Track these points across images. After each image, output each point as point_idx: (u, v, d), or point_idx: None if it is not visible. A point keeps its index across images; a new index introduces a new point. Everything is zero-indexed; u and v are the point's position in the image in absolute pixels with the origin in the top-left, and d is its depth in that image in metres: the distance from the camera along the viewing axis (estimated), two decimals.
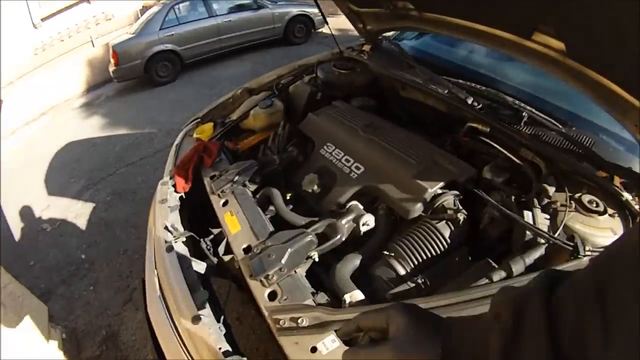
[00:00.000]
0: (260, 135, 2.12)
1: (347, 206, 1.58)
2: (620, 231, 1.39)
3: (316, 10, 8.81)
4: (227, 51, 8.40)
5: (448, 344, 0.50)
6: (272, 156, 1.84)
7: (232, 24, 8.27)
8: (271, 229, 1.50)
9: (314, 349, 1.10)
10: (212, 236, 1.69)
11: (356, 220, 1.53)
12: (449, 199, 1.55)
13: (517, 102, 1.88)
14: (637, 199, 1.51)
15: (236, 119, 2.08)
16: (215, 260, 1.52)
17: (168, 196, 1.73)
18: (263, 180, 1.80)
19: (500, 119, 1.85)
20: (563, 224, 1.39)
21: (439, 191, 1.55)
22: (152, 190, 1.95)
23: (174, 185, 1.78)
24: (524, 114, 1.82)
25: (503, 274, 1.30)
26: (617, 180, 1.56)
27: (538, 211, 1.45)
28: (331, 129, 1.90)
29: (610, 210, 1.44)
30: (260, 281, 1.29)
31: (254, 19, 8.47)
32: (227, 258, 1.69)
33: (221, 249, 1.72)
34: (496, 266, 1.34)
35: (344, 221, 1.51)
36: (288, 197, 1.78)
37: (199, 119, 2.16)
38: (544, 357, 0.40)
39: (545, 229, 1.39)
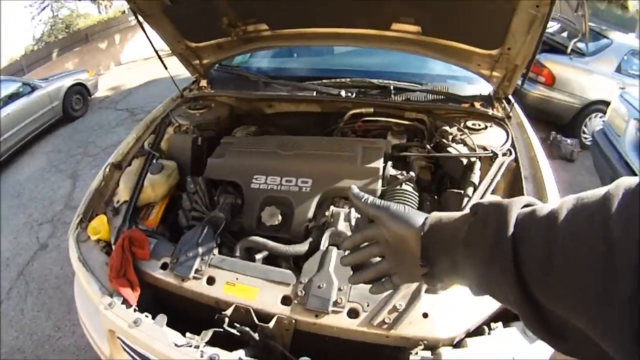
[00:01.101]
0: (162, 203, 1.77)
1: (328, 214, 1.56)
2: (500, 134, 1.82)
3: (87, 76, 8.07)
4: (12, 152, 6.38)
5: (428, 228, 0.58)
6: (216, 213, 1.58)
7: (7, 119, 6.30)
8: (287, 270, 1.35)
9: (425, 315, 1.17)
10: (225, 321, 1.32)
11: (347, 218, 1.53)
12: (390, 169, 1.71)
13: (379, 80, 2.21)
14: (497, 109, 2.03)
15: (132, 198, 1.66)
16: (257, 336, 1.20)
17: (122, 319, 1.27)
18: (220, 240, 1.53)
19: (374, 97, 2.15)
20: (474, 143, 1.73)
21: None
22: None
23: (124, 301, 1.31)
24: (390, 87, 2.17)
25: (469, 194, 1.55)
26: (477, 105, 2.06)
27: (452, 144, 1.77)
28: (249, 162, 1.75)
29: (487, 124, 1.89)
30: (333, 311, 1.20)
31: (30, 105, 6.75)
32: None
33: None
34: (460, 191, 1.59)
35: (340, 225, 1.49)
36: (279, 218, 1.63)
37: (81, 219, 1.62)
38: (508, 267, 0.44)
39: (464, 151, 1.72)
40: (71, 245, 1.57)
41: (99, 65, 12.63)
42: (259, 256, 1.45)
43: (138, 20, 1.92)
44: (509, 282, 0.44)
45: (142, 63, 11.95)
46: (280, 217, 1.58)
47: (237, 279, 1.32)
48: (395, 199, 1.59)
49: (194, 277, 1.34)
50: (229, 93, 2.29)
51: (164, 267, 1.39)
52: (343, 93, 2.16)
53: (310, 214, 1.59)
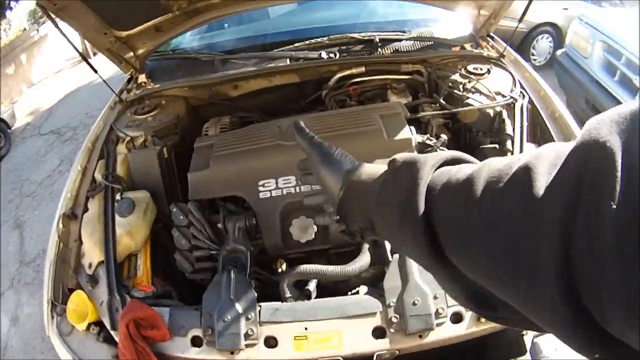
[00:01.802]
0: (146, 250, 1.33)
1: None
2: (504, 77, 1.66)
3: (1, 108, 6.60)
4: None
5: (347, 183, 0.55)
6: (233, 247, 1.20)
7: None
8: (364, 295, 1.13)
9: None
10: None
11: None
12: (415, 135, 1.45)
13: (361, 34, 1.87)
14: (488, 48, 1.85)
15: (107, 256, 1.21)
16: None
17: None
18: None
19: (361, 54, 1.84)
20: (490, 90, 1.56)
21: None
22: None
23: None
24: (376, 39, 1.85)
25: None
26: (467, 47, 1.83)
27: (467, 94, 1.57)
28: (247, 166, 1.35)
29: (487, 67, 1.70)
30: (437, 324, 1.06)
31: None
32: None
33: None
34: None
35: None
36: (284, 267, 1.31)
37: (53, 304, 1.15)
38: (419, 230, 0.41)
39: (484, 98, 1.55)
40: (56, 344, 1.13)
41: (11, 92, 10.85)
42: (311, 286, 1.13)
43: (51, 19, 1.37)
44: (421, 245, 0.42)
45: (54, 78, 10.43)
46: (315, 228, 1.25)
47: (306, 328, 1.03)
48: None
49: (247, 345, 0.99)
50: (181, 83, 1.81)
51: (197, 343, 1.03)
52: (324, 55, 1.79)
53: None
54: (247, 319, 1.03)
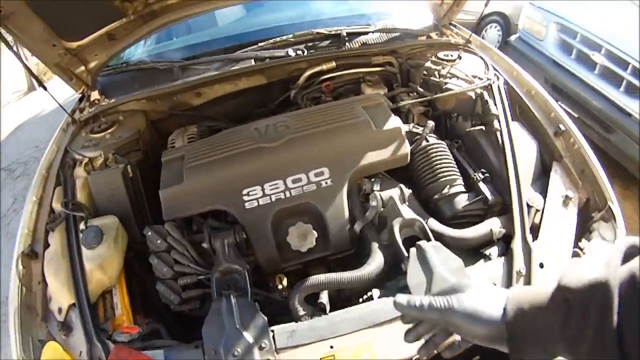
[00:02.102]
0: (121, 284, 1.16)
1: (374, 203, 1.18)
2: (475, 61, 1.67)
3: None
4: None
5: (512, 320, 0.52)
6: (227, 267, 1.07)
7: None
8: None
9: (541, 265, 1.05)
10: None
11: (403, 197, 1.21)
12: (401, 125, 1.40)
13: (328, 29, 1.82)
14: (453, 36, 1.86)
15: (79, 298, 1.04)
16: None
17: None
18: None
19: (329, 49, 1.78)
20: (467, 74, 1.56)
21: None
22: None
23: None
24: (343, 33, 1.81)
25: None
26: (433, 35, 1.84)
27: (445, 80, 1.57)
28: (227, 175, 1.22)
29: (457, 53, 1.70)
30: None
31: None
32: None
33: None
34: None
35: (404, 211, 1.15)
36: (285, 283, 1.20)
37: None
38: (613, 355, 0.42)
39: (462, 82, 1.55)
40: None
41: None
42: (324, 298, 1.03)
43: None
44: None
45: None
46: (315, 234, 1.15)
47: (332, 347, 0.93)
48: (435, 161, 1.33)
49: None
50: (138, 95, 1.65)
51: None
52: (291, 52, 1.71)
53: (347, 213, 1.19)
54: (261, 348, 0.90)
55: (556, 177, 1.25)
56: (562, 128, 1.34)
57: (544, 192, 1.22)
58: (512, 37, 3.75)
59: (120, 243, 1.19)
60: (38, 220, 1.28)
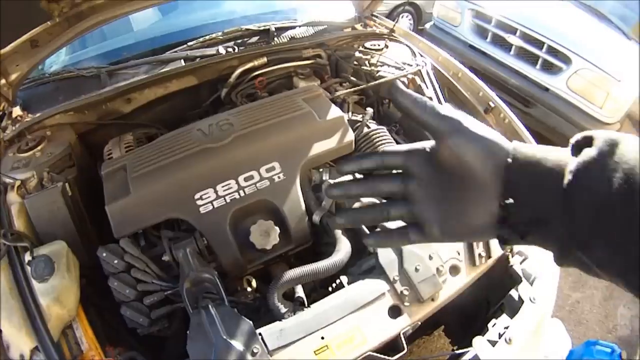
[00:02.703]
0: (81, 316, 1.08)
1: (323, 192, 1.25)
2: (401, 48, 1.80)
3: None
4: None
5: (519, 156, 0.40)
6: (195, 276, 1.06)
7: None
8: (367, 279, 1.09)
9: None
10: None
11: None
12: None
13: (256, 25, 1.86)
14: (376, 26, 1.97)
15: (41, 339, 0.97)
16: None
17: None
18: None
19: (258, 45, 1.81)
20: (397, 61, 1.71)
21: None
22: None
23: None
24: (272, 28, 1.85)
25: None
26: (358, 27, 1.98)
27: (376, 69, 1.68)
28: (176, 180, 1.20)
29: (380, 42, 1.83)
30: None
31: None
32: None
33: None
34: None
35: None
36: (254, 284, 1.21)
37: None
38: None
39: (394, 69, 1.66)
40: None
41: None
42: (300, 292, 1.07)
43: None
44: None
45: None
46: (278, 230, 1.17)
47: (322, 337, 0.96)
48: (378, 146, 1.40)
49: None
50: (63, 106, 1.54)
51: None
52: (222, 50, 1.70)
53: (303, 205, 1.23)
54: (253, 353, 0.91)
55: None
56: (492, 105, 1.50)
57: None
58: (427, 25, 3.96)
59: (72, 270, 1.11)
60: None
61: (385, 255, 1.09)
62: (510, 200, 0.39)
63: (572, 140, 0.39)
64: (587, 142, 0.37)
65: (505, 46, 3.11)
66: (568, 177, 0.36)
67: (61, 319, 1.06)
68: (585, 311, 2.33)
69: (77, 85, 1.64)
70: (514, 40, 3.02)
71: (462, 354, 1.04)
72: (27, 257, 1.11)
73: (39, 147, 1.42)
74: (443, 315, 1.16)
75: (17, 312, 1.03)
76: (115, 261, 1.12)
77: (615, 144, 0.35)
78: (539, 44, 2.92)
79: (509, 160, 0.40)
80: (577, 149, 0.37)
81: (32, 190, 1.31)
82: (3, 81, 1.45)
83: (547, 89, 2.91)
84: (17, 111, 1.57)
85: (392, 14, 5.36)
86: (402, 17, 5.49)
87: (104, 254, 1.13)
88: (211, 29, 1.86)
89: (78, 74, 1.66)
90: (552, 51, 2.87)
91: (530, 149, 0.40)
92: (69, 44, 1.49)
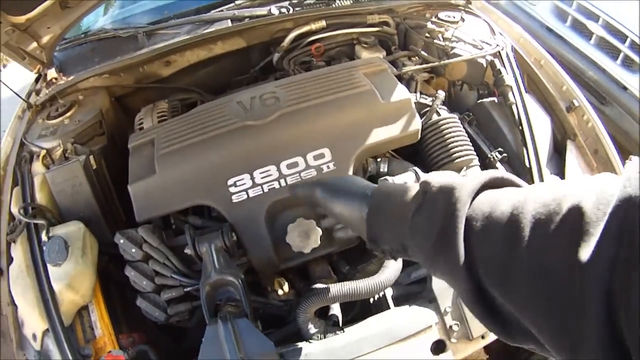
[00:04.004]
0: (98, 300, 1.00)
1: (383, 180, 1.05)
2: (479, 24, 1.53)
3: None
4: None
5: (374, 200, 0.56)
6: (219, 280, 0.90)
7: None
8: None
9: None
10: None
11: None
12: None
13: None
14: None
15: (52, 322, 0.90)
16: None
17: None
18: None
19: (318, 6, 1.57)
20: (475, 39, 1.42)
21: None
22: None
23: None
24: None
25: None
26: None
27: (452, 45, 1.40)
28: (208, 162, 1.03)
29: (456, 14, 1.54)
30: None
31: None
32: None
33: None
34: None
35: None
36: (286, 289, 1.02)
37: None
38: (456, 264, 0.42)
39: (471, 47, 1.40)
40: None
41: None
42: (335, 309, 0.89)
43: None
44: (459, 280, 0.42)
45: None
46: (320, 231, 0.97)
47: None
48: (448, 138, 1.19)
49: None
50: (98, 69, 1.43)
51: None
52: (274, 10, 1.49)
53: (355, 195, 1.02)
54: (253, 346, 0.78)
55: (572, 158, 1.16)
56: (576, 104, 1.25)
57: (559, 174, 1.14)
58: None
59: (89, 254, 1.01)
60: None
61: (439, 282, 0.89)
62: (371, 244, 0.57)
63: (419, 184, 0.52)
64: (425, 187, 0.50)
65: (585, 33, 2.69)
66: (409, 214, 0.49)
67: (74, 304, 1.00)
68: None
69: (114, 47, 1.51)
70: (595, 29, 2.59)
71: None
72: (43, 236, 1.02)
73: (68, 114, 1.32)
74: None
75: (32, 290, 0.98)
76: (133, 250, 0.99)
77: (443, 189, 0.47)
78: (622, 37, 2.47)
79: (366, 211, 0.56)
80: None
81: (57, 161, 1.20)
82: (35, 44, 1.34)
83: (625, 88, 2.48)
84: (52, 73, 1.48)
85: None
86: None
87: (121, 241, 1.00)
88: None
89: (115, 35, 1.53)
90: (635, 47, 2.42)
91: (380, 194, 0.57)
92: (102, 3, 1.34)
